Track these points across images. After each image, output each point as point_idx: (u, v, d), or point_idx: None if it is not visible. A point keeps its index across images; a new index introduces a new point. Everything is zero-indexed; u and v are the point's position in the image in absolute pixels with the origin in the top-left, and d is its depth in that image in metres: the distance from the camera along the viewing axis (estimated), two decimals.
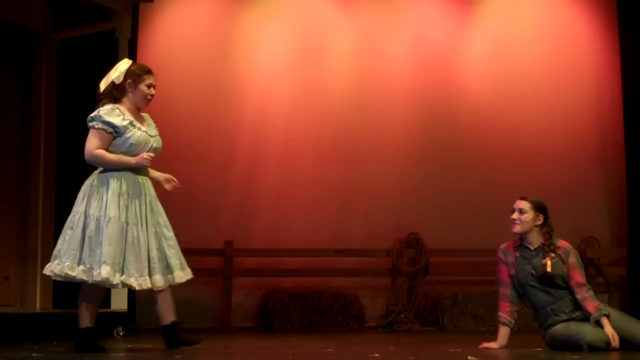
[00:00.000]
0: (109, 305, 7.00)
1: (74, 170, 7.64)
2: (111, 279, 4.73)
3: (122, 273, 4.77)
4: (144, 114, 5.08)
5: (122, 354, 5.08)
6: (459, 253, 8.31)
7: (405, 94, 8.49)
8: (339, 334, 7.25)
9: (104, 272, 4.71)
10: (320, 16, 8.56)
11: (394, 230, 8.31)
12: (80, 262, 4.81)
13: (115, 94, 4.98)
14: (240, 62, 8.43)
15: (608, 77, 8.54)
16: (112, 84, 5.01)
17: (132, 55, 7.55)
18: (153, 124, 5.08)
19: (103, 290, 4.98)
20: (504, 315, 5.34)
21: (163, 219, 4.94)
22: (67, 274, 4.83)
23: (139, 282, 4.79)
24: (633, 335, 5.13)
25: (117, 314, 6.77)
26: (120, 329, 6.59)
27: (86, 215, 4.88)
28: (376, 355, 4.91)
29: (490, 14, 8.67)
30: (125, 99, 4.99)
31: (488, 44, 8.62)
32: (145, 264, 4.82)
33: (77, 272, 4.81)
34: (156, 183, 5.03)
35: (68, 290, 7.39)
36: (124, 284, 4.80)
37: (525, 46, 8.59)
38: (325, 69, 8.51)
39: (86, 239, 4.82)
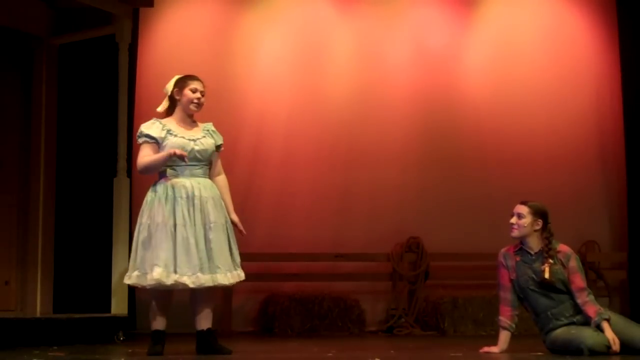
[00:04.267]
0: (109, 310, 7.00)
1: (74, 175, 7.70)
2: (164, 280, 4.91)
3: (176, 273, 4.93)
4: (203, 124, 5.31)
5: (122, 359, 5.08)
6: (460, 257, 8.31)
7: (406, 99, 8.49)
8: (339, 339, 7.25)
9: (155, 274, 4.91)
10: (320, 21, 8.57)
11: (394, 234, 8.31)
12: (134, 268, 5.04)
13: (171, 106, 5.27)
14: (241, 67, 8.44)
15: (608, 82, 8.54)
16: (168, 98, 5.28)
17: (132, 60, 7.57)
18: (209, 131, 5.28)
19: (166, 294, 5.08)
20: (504, 319, 5.34)
21: (213, 220, 5.08)
22: (126, 284, 5.12)
23: (192, 280, 4.95)
24: (633, 339, 5.13)
25: (118, 319, 6.77)
26: (120, 333, 6.59)
27: (141, 225, 5.08)
28: (377, 359, 4.92)
29: (490, 20, 8.68)
30: (177, 109, 5.25)
31: (488, 49, 8.63)
32: (197, 262, 4.98)
33: (132, 279, 5.04)
34: None
35: (68, 296, 7.44)
36: (178, 284, 4.95)
37: (526, 51, 8.59)
38: (325, 74, 8.52)
39: (139, 246, 5.02)
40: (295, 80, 8.47)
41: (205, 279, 5.00)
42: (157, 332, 5.11)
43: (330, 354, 5.38)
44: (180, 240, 4.97)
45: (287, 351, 5.94)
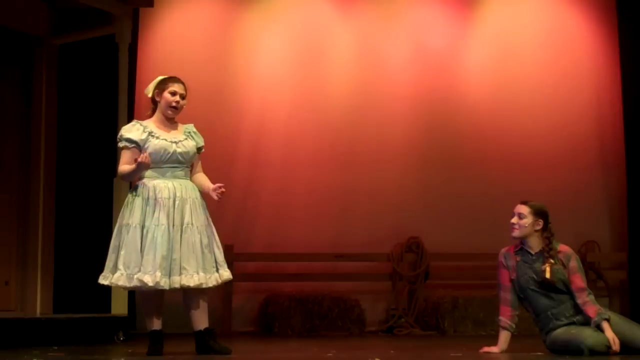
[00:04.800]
0: (109, 310, 7.00)
1: (74, 175, 7.70)
2: (123, 282, 4.92)
3: (139, 272, 4.90)
4: (185, 125, 5.24)
5: (122, 359, 5.07)
6: (460, 257, 8.31)
7: (406, 99, 8.49)
8: (339, 339, 7.25)
9: (115, 276, 4.94)
10: (320, 21, 8.57)
11: (394, 234, 8.31)
12: (115, 269, 5.00)
13: (153, 108, 5.21)
14: (241, 67, 8.43)
15: (608, 82, 8.54)
16: (150, 99, 5.22)
17: (132, 61, 7.57)
18: (190, 133, 5.21)
19: (154, 292, 5.05)
20: (504, 319, 5.34)
21: (187, 221, 5.02)
22: (102, 283, 5.08)
23: (152, 278, 4.89)
24: (634, 339, 5.13)
25: (118, 319, 6.77)
26: (120, 333, 6.59)
27: (120, 226, 5.06)
28: (377, 359, 4.92)
29: (490, 20, 8.68)
30: (157, 111, 5.20)
31: (488, 49, 8.63)
32: (160, 262, 4.91)
33: (115, 279, 5.00)
34: (205, 195, 5.17)
35: (68, 296, 7.44)
36: (140, 282, 4.92)
37: (526, 52, 8.59)
38: (325, 74, 8.51)
39: (120, 247, 5.00)
40: (295, 80, 8.47)
41: (174, 280, 4.93)
42: (155, 332, 5.11)
43: (330, 354, 5.38)
44: (159, 242, 4.91)
45: (287, 351, 5.94)
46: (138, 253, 4.93)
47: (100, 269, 4.97)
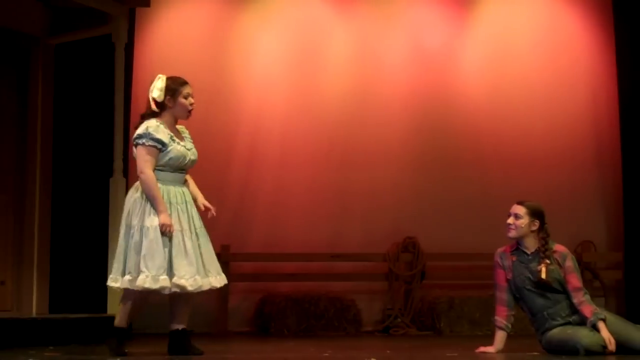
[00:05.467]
0: (105, 310, 6.99)
1: (70, 175, 7.69)
2: (149, 285, 4.86)
3: (170, 276, 4.89)
4: (179, 127, 5.21)
5: (118, 359, 5.07)
6: (456, 257, 8.31)
7: (403, 99, 8.50)
8: (335, 339, 7.25)
9: (140, 278, 4.87)
10: (316, 22, 8.57)
11: (391, 234, 8.31)
12: (125, 272, 4.95)
13: (157, 110, 5.12)
14: (237, 67, 8.44)
15: (604, 83, 8.55)
16: (154, 101, 5.13)
17: (129, 60, 7.56)
18: (189, 136, 5.22)
19: (146, 297, 5.05)
20: (500, 319, 5.34)
21: (198, 226, 5.09)
22: (110, 286, 5.04)
23: (190, 283, 4.91)
24: (629, 339, 5.14)
25: (114, 319, 6.74)
26: None
27: (130, 227, 4.99)
28: (373, 359, 4.92)
29: (487, 20, 8.68)
30: (165, 114, 5.12)
31: (485, 49, 8.63)
32: (195, 266, 4.95)
33: (122, 283, 4.95)
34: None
35: (64, 296, 7.43)
36: (176, 286, 4.90)
37: (522, 52, 8.60)
38: (322, 74, 8.52)
39: (129, 249, 4.95)
40: (291, 80, 8.47)
41: (203, 282, 4.99)
42: (124, 329, 5.08)
43: (326, 354, 5.38)
44: (175, 246, 4.93)
45: (283, 351, 5.94)
46: (163, 255, 4.90)
47: (96, 268, 4.97)
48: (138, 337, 6.40)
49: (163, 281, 4.87)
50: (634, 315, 7.17)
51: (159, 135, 4.99)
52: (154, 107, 5.09)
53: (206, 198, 5.22)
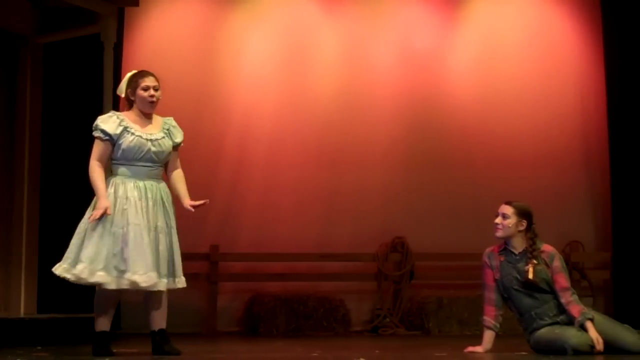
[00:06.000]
0: (92, 310, 6.96)
1: (58, 175, 7.67)
2: (86, 277, 4.85)
3: (119, 272, 4.81)
4: (164, 118, 5.14)
5: (106, 358, 5.06)
6: (444, 257, 8.32)
7: (392, 100, 8.50)
8: (324, 339, 7.25)
9: (77, 270, 4.86)
10: (306, 22, 8.57)
11: (380, 234, 8.32)
12: (79, 262, 4.92)
13: (128, 107, 5.13)
14: (226, 67, 8.43)
15: (592, 83, 8.57)
16: (123, 100, 5.16)
17: (117, 60, 7.55)
18: (169, 128, 5.10)
19: (116, 294, 4.99)
20: (489, 319, 5.35)
21: (160, 224, 4.95)
22: (63, 276, 4.98)
23: (143, 279, 4.81)
24: (617, 338, 5.16)
25: None
26: None
27: (86, 221, 4.98)
28: (361, 359, 4.92)
29: (476, 21, 8.70)
30: (134, 107, 5.11)
31: (474, 50, 8.65)
32: (149, 262, 4.84)
33: (78, 271, 4.92)
34: (175, 198, 5.10)
35: (52, 295, 7.41)
36: (129, 281, 4.82)
37: (511, 52, 8.62)
38: (311, 74, 8.52)
39: (84, 242, 4.92)
40: (281, 80, 8.47)
41: (154, 280, 4.85)
42: (103, 333, 5.02)
43: (315, 354, 5.38)
44: (131, 240, 4.83)
45: (272, 351, 5.94)
46: (104, 250, 4.84)
47: None
48: (127, 337, 6.40)
49: (100, 277, 4.84)
50: (622, 315, 7.20)
51: (103, 126, 4.98)
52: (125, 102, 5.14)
53: (195, 197, 5.16)
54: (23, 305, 7.34)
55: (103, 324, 5.02)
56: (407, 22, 8.64)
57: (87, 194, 7.23)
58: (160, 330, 5.05)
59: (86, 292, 6.96)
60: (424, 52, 8.61)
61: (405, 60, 8.59)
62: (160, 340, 5.04)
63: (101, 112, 7.23)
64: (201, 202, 5.07)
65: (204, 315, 8.09)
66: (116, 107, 7.41)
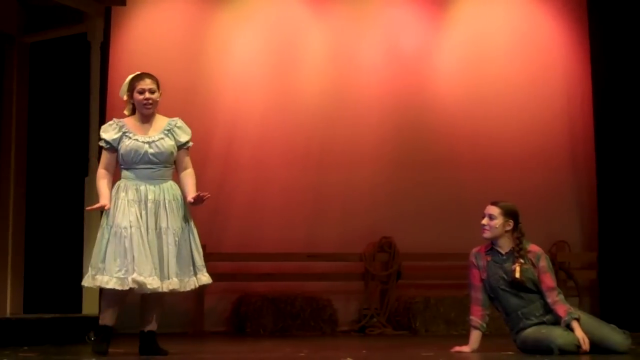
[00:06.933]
0: (80, 310, 6.96)
1: (45, 175, 7.64)
2: (99, 283, 4.90)
3: (128, 273, 4.84)
4: (170, 119, 5.18)
5: (93, 359, 5.05)
6: (431, 257, 8.34)
7: (379, 100, 8.51)
8: (311, 338, 7.25)
9: (105, 279, 4.89)
10: (293, 22, 8.57)
11: (367, 234, 8.32)
12: (89, 269, 5.00)
13: (131, 108, 5.20)
14: (213, 67, 8.42)
15: (579, 84, 8.60)
16: (127, 102, 5.19)
17: (104, 59, 7.52)
18: (172, 129, 5.12)
19: (124, 293, 4.97)
20: (475, 319, 5.37)
21: (165, 226, 4.98)
22: (83, 285, 5.09)
23: (148, 280, 4.85)
24: (603, 338, 5.18)
25: (89, 319, 6.72)
26: (91, 333, 6.52)
27: (101, 226, 5.06)
28: (349, 359, 4.93)
29: (463, 21, 8.71)
30: (136, 111, 5.17)
31: (461, 51, 8.66)
32: (152, 265, 4.88)
33: (85, 281, 5.02)
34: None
35: (39, 296, 7.39)
36: (136, 283, 4.85)
37: (498, 53, 8.64)
38: (298, 74, 8.52)
39: (99, 248, 4.98)
40: (268, 80, 8.47)
41: (158, 283, 4.90)
42: (105, 327, 5.05)
43: (302, 354, 5.39)
44: (136, 242, 4.87)
45: (259, 351, 5.94)
46: (103, 253, 4.90)
47: (71, 268, 4.96)
48: (114, 338, 6.38)
49: (98, 280, 4.89)
50: (608, 314, 7.23)
51: (104, 135, 5.10)
52: (127, 105, 5.20)
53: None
54: (9, 305, 7.31)
55: (106, 318, 5.05)
56: (395, 22, 8.65)
57: (74, 194, 7.27)
58: (150, 332, 5.09)
59: (73, 293, 6.98)
60: (412, 53, 8.63)
61: (392, 60, 8.60)
62: (149, 342, 5.08)
63: (88, 112, 7.28)
64: (203, 194, 5.03)
65: (191, 315, 8.07)
66: (103, 107, 7.43)
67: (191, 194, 5.07)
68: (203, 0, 8.47)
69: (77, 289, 6.94)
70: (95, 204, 5.08)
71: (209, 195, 5.09)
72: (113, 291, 4.92)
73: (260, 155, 8.37)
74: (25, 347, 5.74)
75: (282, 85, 8.48)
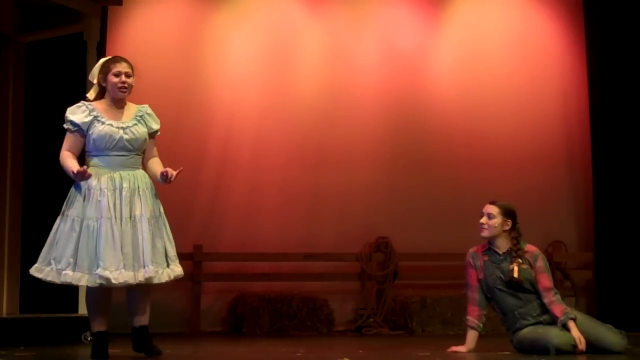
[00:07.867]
0: (76, 310, 6.95)
1: (41, 175, 7.63)
2: (53, 279, 4.78)
3: (94, 268, 4.68)
4: (139, 106, 5.02)
5: None
6: (428, 257, 8.34)
7: (375, 100, 8.51)
8: (308, 338, 7.25)
9: (65, 274, 4.75)
10: (289, 22, 8.57)
11: (363, 234, 8.32)
12: (49, 263, 4.82)
13: (100, 92, 4.98)
14: (210, 67, 8.42)
15: (575, 85, 8.61)
16: (95, 86, 4.99)
17: (100, 59, 7.51)
18: (143, 116, 4.97)
19: (104, 291, 4.87)
20: (472, 319, 5.37)
21: (139, 214, 4.80)
22: (35, 275, 4.87)
23: (114, 275, 4.68)
24: (599, 338, 5.19)
25: (85, 319, 6.69)
26: (87, 333, 6.54)
27: (62, 215, 4.86)
28: (345, 359, 4.93)
29: (459, 21, 8.72)
30: (106, 95, 4.97)
31: (457, 50, 8.67)
32: (121, 258, 4.71)
33: (45, 274, 4.83)
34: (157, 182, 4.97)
35: (35, 296, 7.37)
36: (100, 277, 4.69)
37: (495, 53, 8.64)
38: (294, 74, 8.52)
39: (51, 239, 4.84)
40: (264, 80, 8.47)
41: (128, 276, 4.71)
42: (100, 333, 4.91)
43: (299, 354, 5.39)
44: (104, 235, 4.68)
45: (255, 351, 5.93)
46: (74, 247, 4.73)
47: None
48: (110, 338, 6.37)
49: (65, 276, 4.74)
50: (604, 314, 7.24)
51: (72, 117, 4.87)
52: (93, 88, 4.98)
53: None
54: (5, 305, 7.31)
55: (97, 324, 4.92)
56: (391, 22, 8.65)
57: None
58: (142, 327, 4.97)
59: (69, 292, 6.97)
60: (408, 53, 8.63)
61: (389, 60, 8.60)
62: (142, 337, 4.96)
63: None
64: (176, 171, 4.88)
65: (187, 315, 8.07)
66: None
67: (160, 169, 4.90)
68: (199, 0, 8.47)
69: (74, 289, 6.94)
70: (75, 171, 4.73)
71: (182, 168, 4.93)
72: (96, 294, 4.81)
73: (256, 155, 8.37)
74: (22, 347, 5.74)
75: (278, 85, 8.48)
